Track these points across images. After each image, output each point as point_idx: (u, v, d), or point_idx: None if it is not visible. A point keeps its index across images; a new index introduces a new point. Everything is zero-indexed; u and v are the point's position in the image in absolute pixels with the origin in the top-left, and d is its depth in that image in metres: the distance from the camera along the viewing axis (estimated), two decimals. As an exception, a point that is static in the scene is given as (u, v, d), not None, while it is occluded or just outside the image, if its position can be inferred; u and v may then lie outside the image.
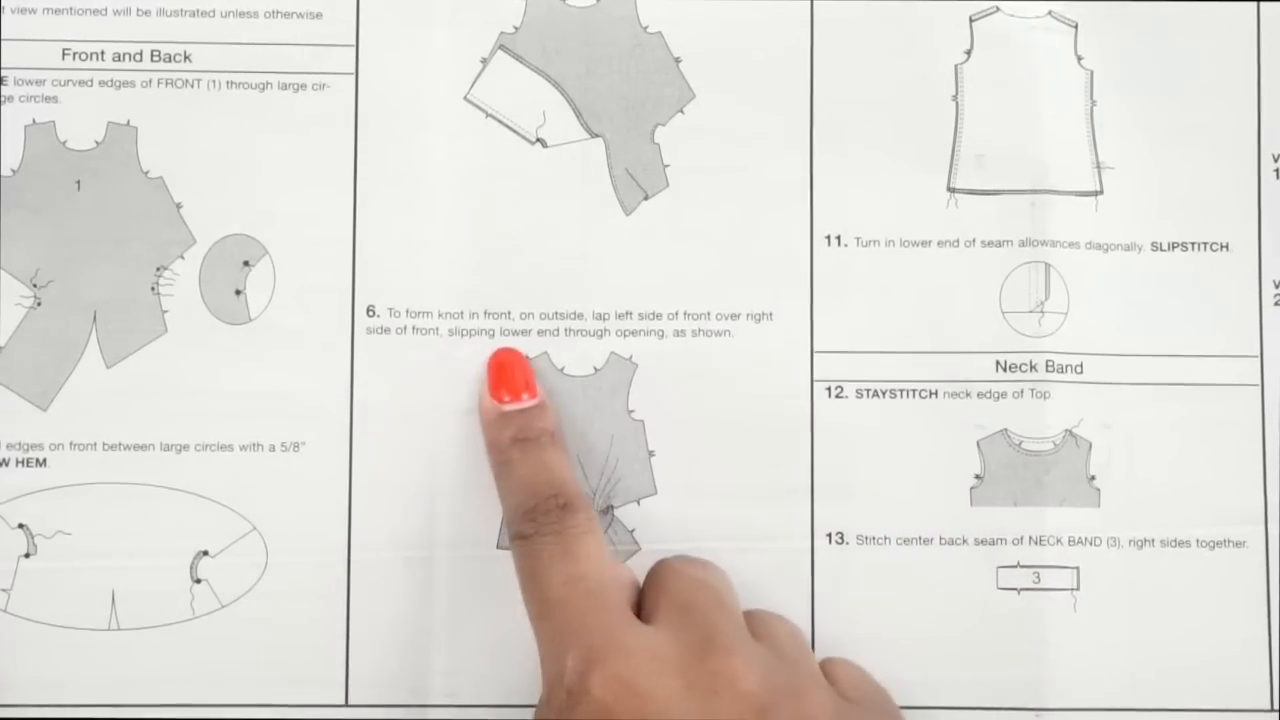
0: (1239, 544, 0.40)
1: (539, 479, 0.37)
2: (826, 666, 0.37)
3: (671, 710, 0.32)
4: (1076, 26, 0.40)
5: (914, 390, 0.40)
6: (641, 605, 0.36)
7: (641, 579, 0.37)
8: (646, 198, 0.40)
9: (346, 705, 0.39)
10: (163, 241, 0.40)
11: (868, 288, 0.40)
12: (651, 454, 0.40)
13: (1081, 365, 0.40)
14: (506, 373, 0.39)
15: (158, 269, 0.40)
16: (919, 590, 0.39)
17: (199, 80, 0.40)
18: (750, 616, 0.36)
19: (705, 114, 0.40)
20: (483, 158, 0.40)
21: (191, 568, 0.39)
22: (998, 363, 0.40)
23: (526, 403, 0.38)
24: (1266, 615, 0.39)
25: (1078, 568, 0.40)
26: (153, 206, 0.40)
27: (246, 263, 0.40)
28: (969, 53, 0.40)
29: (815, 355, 0.40)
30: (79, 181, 0.40)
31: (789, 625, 0.37)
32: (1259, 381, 0.40)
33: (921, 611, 0.39)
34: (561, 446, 0.38)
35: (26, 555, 0.39)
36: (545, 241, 0.40)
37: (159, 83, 0.40)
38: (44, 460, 0.39)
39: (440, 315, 0.40)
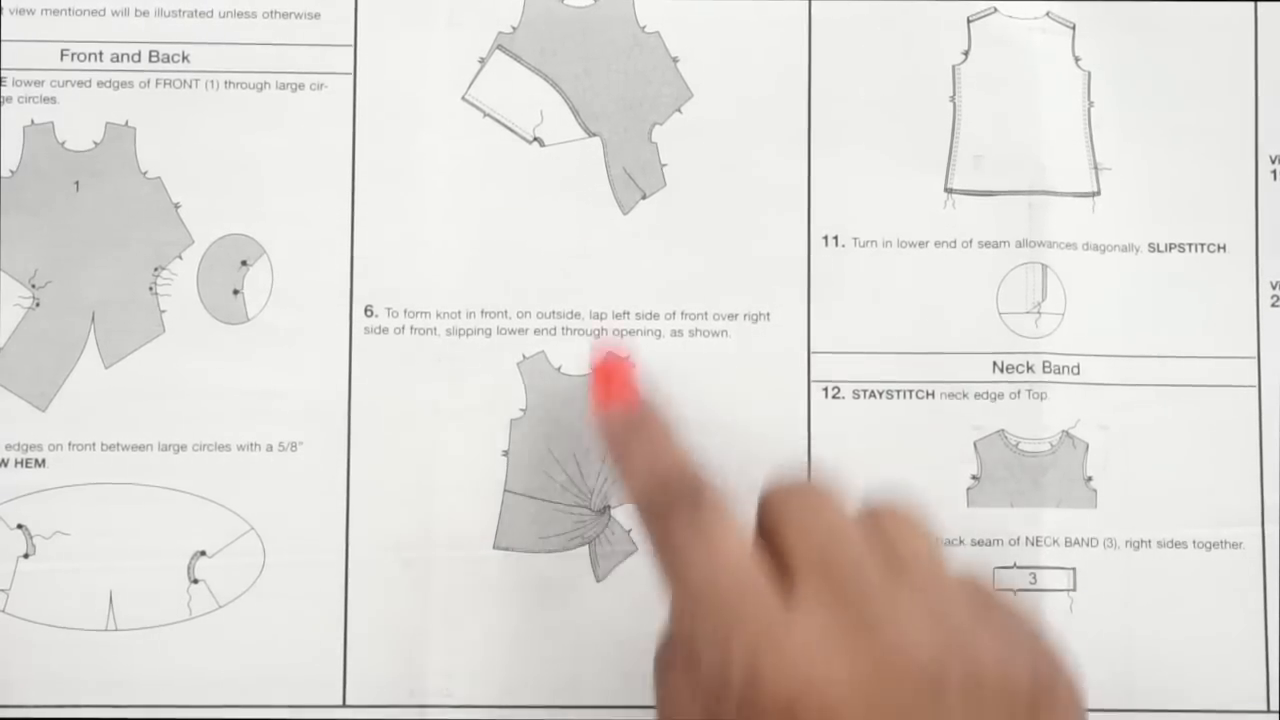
0: (1235, 545, 0.40)
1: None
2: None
3: (850, 702, 0.28)
4: (1074, 27, 0.40)
5: (911, 391, 0.40)
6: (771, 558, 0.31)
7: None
8: (644, 197, 0.40)
9: (344, 705, 0.39)
10: (161, 241, 0.40)
11: (865, 288, 0.40)
12: (649, 454, 0.40)
13: (1078, 366, 0.40)
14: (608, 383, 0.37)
15: (156, 269, 0.40)
16: (915, 591, 0.39)
17: (197, 80, 0.40)
18: (874, 520, 0.32)
19: (703, 113, 0.40)
20: (480, 157, 0.40)
21: (189, 568, 0.39)
22: (995, 363, 0.40)
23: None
24: (1263, 616, 0.39)
25: (1074, 569, 0.40)
26: (151, 207, 0.40)
27: (244, 262, 0.40)
28: (967, 53, 0.40)
29: (812, 356, 0.40)
30: (77, 182, 0.40)
31: (917, 537, 0.32)
32: (1256, 383, 0.40)
33: (918, 612, 0.39)
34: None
35: (25, 556, 0.39)
36: (543, 241, 0.40)
37: (157, 83, 0.40)
38: (43, 461, 0.39)
39: (438, 315, 0.40)
